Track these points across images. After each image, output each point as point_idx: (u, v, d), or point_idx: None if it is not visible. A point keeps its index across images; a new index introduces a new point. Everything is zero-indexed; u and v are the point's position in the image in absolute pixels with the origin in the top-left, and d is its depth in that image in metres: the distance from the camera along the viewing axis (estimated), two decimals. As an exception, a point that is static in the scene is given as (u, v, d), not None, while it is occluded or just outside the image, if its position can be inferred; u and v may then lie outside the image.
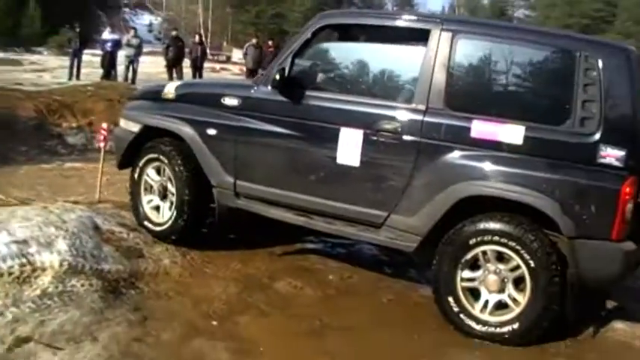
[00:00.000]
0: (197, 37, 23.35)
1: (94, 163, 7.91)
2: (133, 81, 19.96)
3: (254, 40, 22.00)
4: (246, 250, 5.98)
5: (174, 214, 5.65)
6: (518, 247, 4.49)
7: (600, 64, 4.51)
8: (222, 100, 5.43)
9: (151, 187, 5.86)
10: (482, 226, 4.58)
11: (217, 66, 35.55)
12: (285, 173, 5.26)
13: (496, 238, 4.54)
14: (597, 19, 70.32)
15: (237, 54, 43.98)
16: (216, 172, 5.48)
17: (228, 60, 44.21)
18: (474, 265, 4.71)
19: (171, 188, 5.69)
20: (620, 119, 4.50)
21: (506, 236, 4.51)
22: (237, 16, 79.94)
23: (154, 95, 5.99)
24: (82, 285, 4.71)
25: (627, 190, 4.39)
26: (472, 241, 4.61)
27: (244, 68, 23.67)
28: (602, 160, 4.43)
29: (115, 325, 4.43)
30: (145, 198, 5.88)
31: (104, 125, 6.97)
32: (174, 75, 20.62)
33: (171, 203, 5.71)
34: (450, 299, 4.72)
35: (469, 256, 4.66)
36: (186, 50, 21.97)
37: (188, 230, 5.71)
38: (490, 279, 4.65)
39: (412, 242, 4.86)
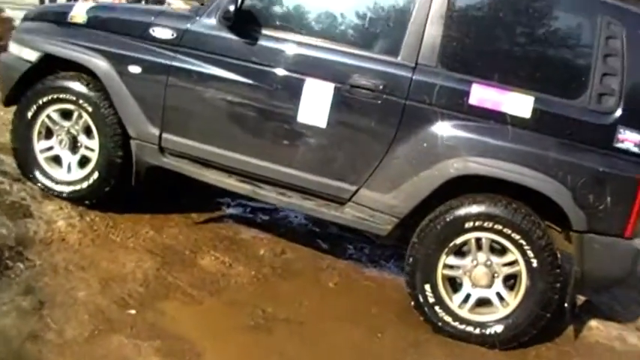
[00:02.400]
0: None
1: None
2: None
3: None
4: (157, 212, 4.87)
5: (98, 176, 4.51)
6: (522, 242, 3.81)
7: (625, 32, 3.84)
8: (151, 31, 4.30)
9: (49, 131, 4.63)
10: (484, 209, 3.84)
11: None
12: (229, 129, 4.23)
13: (498, 226, 3.83)
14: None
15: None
16: (137, 120, 4.36)
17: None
18: (458, 251, 3.99)
19: (89, 142, 4.54)
20: None
21: (512, 227, 3.80)
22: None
23: (58, 17, 4.67)
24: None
25: None
26: (469, 225, 3.87)
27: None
28: (619, 145, 3.82)
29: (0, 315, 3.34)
30: (38, 145, 4.63)
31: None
32: None
33: (84, 159, 4.59)
34: (427, 287, 3.96)
35: (460, 240, 3.93)
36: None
37: (111, 194, 4.61)
38: (478, 271, 3.95)
39: (386, 224, 4.05)
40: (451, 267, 3.99)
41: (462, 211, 3.87)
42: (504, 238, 3.83)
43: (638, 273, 4.09)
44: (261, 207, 5.43)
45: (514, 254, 3.85)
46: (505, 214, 3.80)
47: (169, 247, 4.45)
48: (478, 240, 3.92)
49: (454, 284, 4.05)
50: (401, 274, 4.51)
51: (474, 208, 3.85)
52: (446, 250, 3.94)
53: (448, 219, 3.89)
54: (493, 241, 3.89)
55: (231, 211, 5.37)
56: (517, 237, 3.80)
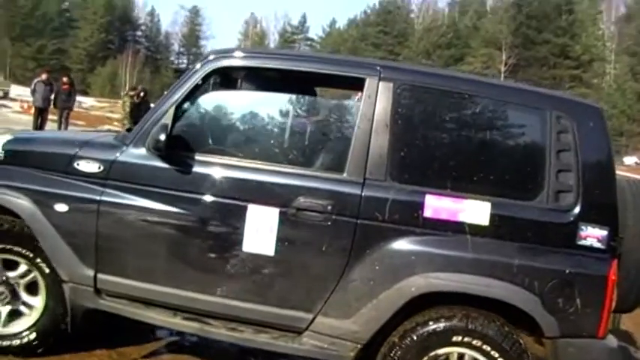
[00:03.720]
0: (-23, 70, 20.39)
1: None
2: None
3: (44, 76, 19.41)
4: (78, 350, 4.37)
5: (35, 337, 4.12)
6: None
7: (575, 125, 3.72)
8: (75, 165, 3.98)
9: None
10: (473, 326, 3.61)
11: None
12: (170, 264, 3.91)
13: (487, 347, 3.61)
14: (394, 37, 74.92)
15: (15, 90, 40.78)
16: (68, 262, 3.99)
17: (5, 96, 39.69)
18: None
19: (30, 299, 4.16)
20: (600, 191, 3.73)
21: (500, 350, 3.60)
22: (17, 50, 75.66)
23: None
24: None
25: (613, 277, 3.64)
26: (457, 338, 3.63)
27: (25, 105, 20.81)
28: (582, 242, 3.67)
29: None
30: None
31: None
32: None
33: (15, 313, 4.17)
34: None
35: (443, 351, 3.67)
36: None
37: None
38: None
39: (349, 351, 3.76)
40: None
41: (456, 323, 3.62)
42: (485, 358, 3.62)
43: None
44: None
45: None
46: (496, 336, 3.59)
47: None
48: (461, 356, 3.67)
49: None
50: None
51: (468, 324, 3.61)
52: (426, 358, 3.67)
53: (438, 328, 3.63)
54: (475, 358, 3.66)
55: (157, 334, 4.93)
56: (496, 355, 3.60)
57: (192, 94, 3.95)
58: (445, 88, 3.83)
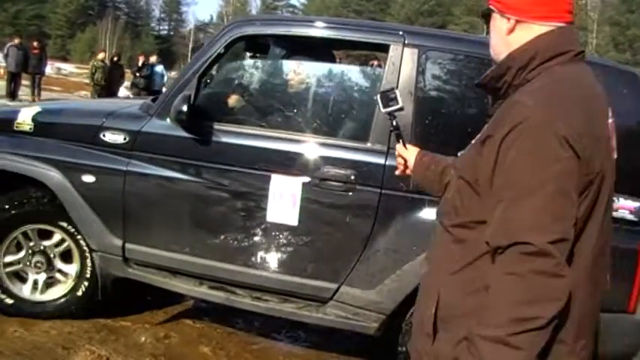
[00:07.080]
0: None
1: None
2: None
3: (16, 41, 19.73)
4: (108, 316, 4.49)
5: (71, 301, 4.28)
6: None
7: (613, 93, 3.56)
8: (101, 136, 4.01)
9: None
10: None
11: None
12: (195, 234, 3.94)
13: None
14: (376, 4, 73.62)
15: (-7, 55, 40.50)
16: (97, 232, 4.05)
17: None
18: None
19: (64, 266, 4.29)
20: (633, 162, 3.57)
21: None
22: (-7, 15, 75.20)
23: (3, 125, 4.34)
24: None
25: None
26: None
27: (1, 70, 21.11)
28: (614, 214, 3.49)
29: None
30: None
31: None
32: None
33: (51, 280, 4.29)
34: None
35: None
36: None
37: None
38: None
39: (373, 322, 3.73)
40: None
41: None
42: None
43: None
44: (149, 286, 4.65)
45: None
46: None
47: (40, 346, 4.02)
48: None
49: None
50: (293, 344, 4.48)
51: None
52: None
53: None
54: None
55: (182, 301, 4.96)
56: None
57: (214, 64, 3.93)
58: (472, 54, 3.72)
